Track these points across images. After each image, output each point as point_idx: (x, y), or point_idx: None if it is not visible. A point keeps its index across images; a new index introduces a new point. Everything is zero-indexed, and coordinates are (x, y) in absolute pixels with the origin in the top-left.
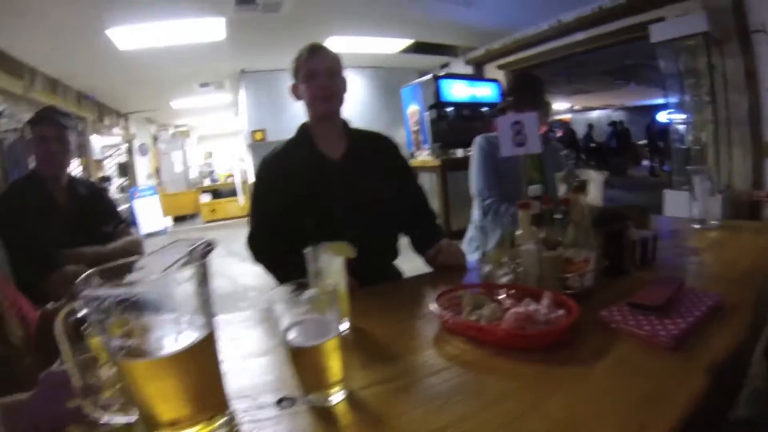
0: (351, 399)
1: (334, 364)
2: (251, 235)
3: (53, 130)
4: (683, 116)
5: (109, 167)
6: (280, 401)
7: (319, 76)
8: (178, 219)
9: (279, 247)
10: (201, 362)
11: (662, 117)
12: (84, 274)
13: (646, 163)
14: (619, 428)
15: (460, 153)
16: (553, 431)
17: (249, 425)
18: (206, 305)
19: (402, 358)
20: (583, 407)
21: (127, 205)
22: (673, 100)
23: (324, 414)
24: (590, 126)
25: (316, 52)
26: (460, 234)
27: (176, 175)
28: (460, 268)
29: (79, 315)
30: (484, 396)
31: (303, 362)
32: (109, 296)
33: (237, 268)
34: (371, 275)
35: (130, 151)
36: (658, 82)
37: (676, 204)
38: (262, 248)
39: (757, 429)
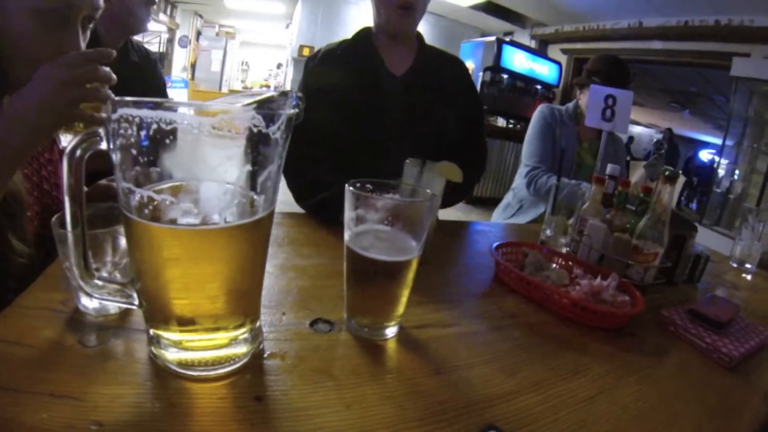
0: (404, 336)
1: (403, 291)
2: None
3: None
4: (729, 161)
5: None
6: (314, 322)
7: None
8: None
9: (316, 161)
10: (247, 249)
11: (704, 155)
12: (117, 99)
13: None
14: None
15: (501, 122)
16: (626, 419)
17: (273, 344)
18: (275, 176)
19: (459, 302)
20: (655, 402)
21: None
22: (730, 142)
23: (370, 348)
24: (631, 138)
25: None
26: (475, 201)
27: (212, 73)
28: None
29: (101, 146)
30: (555, 366)
31: (364, 279)
32: (147, 120)
33: None
34: None
35: (170, 41)
36: (713, 118)
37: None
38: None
39: None
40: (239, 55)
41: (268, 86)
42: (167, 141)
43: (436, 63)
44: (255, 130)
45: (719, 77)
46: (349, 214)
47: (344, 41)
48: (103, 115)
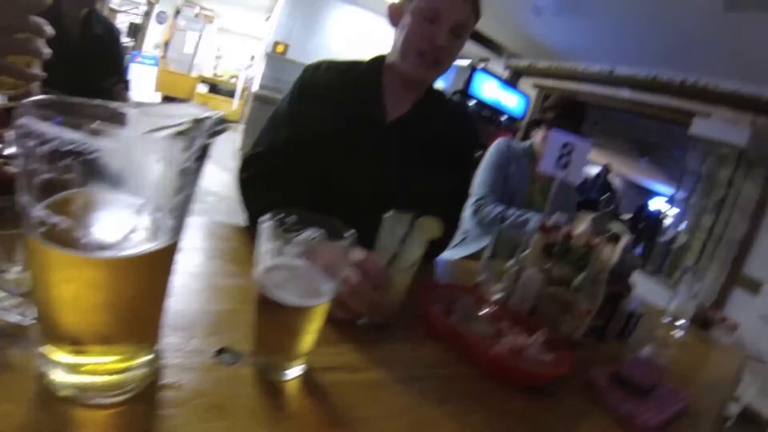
0: (309, 379)
1: (310, 332)
2: (255, 155)
3: None
4: (678, 212)
5: (121, 22)
6: (220, 351)
7: (440, 25)
8: (168, 99)
9: (281, 187)
10: (145, 278)
11: (653, 204)
12: (34, 98)
13: None
14: None
15: None
16: None
17: (173, 371)
18: (185, 204)
19: (374, 344)
20: None
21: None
22: (681, 195)
23: (272, 388)
24: (585, 180)
25: None
26: None
27: (184, 55)
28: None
29: (6, 152)
30: (467, 426)
31: (272, 318)
32: (55, 138)
33: None
34: None
35: (147, 15)
36: (668, 169)
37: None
38: (263, 177)
39: None
40: (215, 41)
41: (236, 77)
42: (69, 161)
43: (433, 116)
44: (166, 158)
45: (680, 132)
46: (261, 247)
47: (356, 64)
48: (36, 71)
